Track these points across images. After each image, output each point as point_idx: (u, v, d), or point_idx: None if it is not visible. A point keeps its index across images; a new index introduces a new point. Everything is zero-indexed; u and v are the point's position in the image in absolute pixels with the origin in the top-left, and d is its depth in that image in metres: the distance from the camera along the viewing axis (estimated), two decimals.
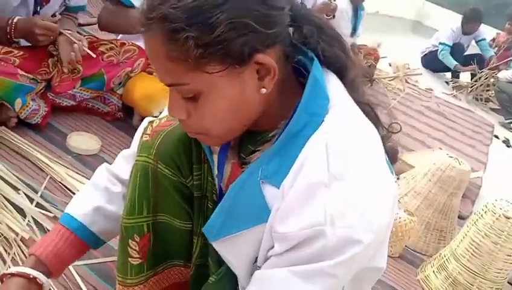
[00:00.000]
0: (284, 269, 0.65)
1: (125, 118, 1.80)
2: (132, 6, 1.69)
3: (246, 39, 0.60)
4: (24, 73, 1.47)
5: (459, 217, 1.95)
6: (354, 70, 0.72)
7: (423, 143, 3.00)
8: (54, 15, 1.68)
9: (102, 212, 0.87)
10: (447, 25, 5.11)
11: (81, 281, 1.04)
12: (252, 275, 0.72)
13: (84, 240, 0.87)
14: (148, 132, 0.81)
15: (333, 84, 0.69)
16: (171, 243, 0.84)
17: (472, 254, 1.42)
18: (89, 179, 1.38)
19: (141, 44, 1.83)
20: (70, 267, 1.07)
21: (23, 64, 1.48)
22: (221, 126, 0.67)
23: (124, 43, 1.77)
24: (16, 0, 1.51)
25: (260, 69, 0.64)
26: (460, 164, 1.71)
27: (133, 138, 1.76)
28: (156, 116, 1.69)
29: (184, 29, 0.58)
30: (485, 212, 1.42)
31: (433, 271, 1.52)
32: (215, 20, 0.58)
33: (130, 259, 0.83)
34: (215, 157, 0.78)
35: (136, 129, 1.81)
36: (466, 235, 1.46)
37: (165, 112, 0.85)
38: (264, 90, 0.65)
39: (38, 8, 1.59)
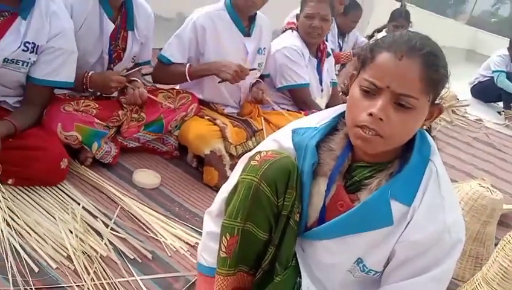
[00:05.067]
0: (423, 277, 0.95)
1: (181, 156, 2.06)
2: (171, 63, 2.03)
3: (443, 87, 0.96)
4: (99, 121, 1.76)
5: (497, 245, 1.98)
6: None
7: (469, 174, 3.01)
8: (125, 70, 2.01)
9: None
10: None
11: None
12: (348, 272, 1.04)
13: None
14: (257, 158, 1.04)
15: (429, 136, 1.03)
16: (248, 249, 1.06)
17: (501, 278, 1.48)
18: (151, 209, 1.64)
19: (193, 92, 2.11)
20: (138, 280, 1.29)
21: (99, 114, 1.78)
22: (398, 137, 0.95)
23: (180, 92, 2.06)
24: (92, 58, 1.86)
25: (433, 113, 0.98)
26: (492, 193, 1.78)
27: (187, 173, 2.02)
28: (207, 154, 1.94)
29: (438, 64, 0.93)
30: None
31: None
32: (446, 67, 0.95)
33: (220, 252, 1.06)
34: (325, 180, 1.04)
35: (190, 166, 2.07)
36: (495, 260, 1.53)
37: (271, 146, 1.11)
38: (424, 127, 1.01)
39: (112, 65, 1.92)
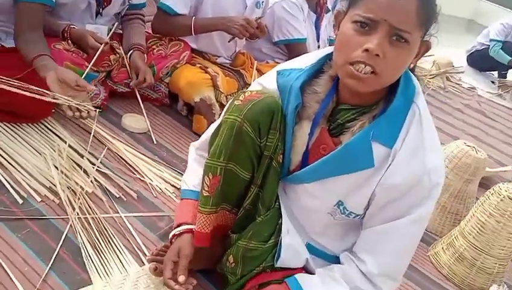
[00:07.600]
0: (403, 219, 0.97)
1: (171, 104, 2.05)
2: (177, 14, 1.93)
3: (434, 23, 0.93)
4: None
5: None
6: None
7: (457, 138, 3.02)
8: (118, 14, 1.95)
9: None
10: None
11: (131, 227, 1.29)
12: (329, 215, 1.05)
13: None
14: (241, 98, 1.04)
15: (413, 76, 1.00)
16: (231, 189, 1.08)
17: (478, 232, 1.53)
18: (139, 153, 1.64)
19: (186, 39, 2.07)
20: (123, 216, 1.32)
21: (90, 57, 1.72)
22: (391, 74, 0.93)
23: (172, 39, 2.02)
24: (83, 4, 1.80)
25: (421, 50, 0.94)
26: (477, 153, 1.80)
27: (176, 120, 2.02)
28: (196, 102, 1.93)
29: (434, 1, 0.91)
30: (492, 194, 1.53)
31: (442, 248, 1.65)
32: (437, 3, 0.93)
33: (203, 191, 1.08)
34: (309, 123, 1.03)
35: (180, 114, 2.06)
36: (473, 215, 1.57)
37: (255, 87, 1.11)
38: (411, 66, 0.98)
39: (101, 9, 1.86)
